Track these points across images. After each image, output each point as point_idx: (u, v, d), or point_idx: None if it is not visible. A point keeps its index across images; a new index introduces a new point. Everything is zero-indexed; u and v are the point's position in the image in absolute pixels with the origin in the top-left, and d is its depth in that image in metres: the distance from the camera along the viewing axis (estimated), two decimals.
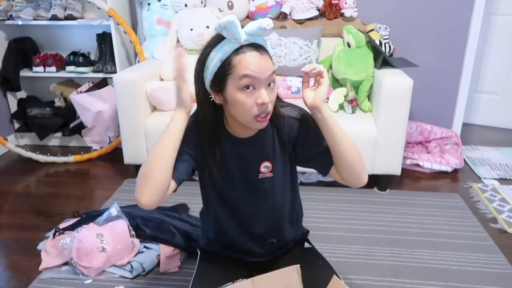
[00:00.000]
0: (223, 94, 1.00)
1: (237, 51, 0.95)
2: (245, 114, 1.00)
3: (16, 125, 2.89)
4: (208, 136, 1.07)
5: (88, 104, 2.52)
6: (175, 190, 1.07)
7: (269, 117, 1.03)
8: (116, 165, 2.53)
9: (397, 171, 2.10)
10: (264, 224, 1.18)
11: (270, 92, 0.99)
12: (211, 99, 1.02)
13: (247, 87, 0.96)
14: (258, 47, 0.96)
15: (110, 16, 2.46)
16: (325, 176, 1.14)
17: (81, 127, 2.76)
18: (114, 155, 2.60)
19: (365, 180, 1.09)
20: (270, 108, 1.01)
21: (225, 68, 0.96)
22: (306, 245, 1.31)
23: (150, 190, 0.99)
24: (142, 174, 1.00)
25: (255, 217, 1.17)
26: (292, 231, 1.26)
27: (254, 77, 0.95)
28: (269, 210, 1.17)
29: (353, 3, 2.44)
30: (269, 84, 0.99)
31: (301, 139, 1.11)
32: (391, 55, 2.44)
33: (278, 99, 1.09)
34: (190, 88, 1.02)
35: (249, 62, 0.94)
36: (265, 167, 1.12)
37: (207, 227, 1.27)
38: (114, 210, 1.71)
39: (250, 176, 1.13)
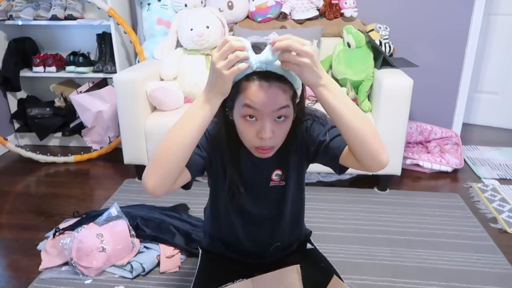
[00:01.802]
0: (232, 114, 0.95)
1: (248, 76, 0.86)
2: (245, 142, 0.96)
3: (16, 125, 2.89)
4: (228, 146, 1.02)
5: (88, 104, 2.52)
6: (187, 186, 1.01)
7: (273, 150, 0.95)
8: (116, 165, 2.53)
9: (397, 171, 2.10)
10: (271, 229, 1.17)
11: (277, 126, 0.90)
12: (226, 113, 0.96)
13: (250, 116, 0.89)
14: (271, 77, 0.85)
15: (110, 16, 2.46)
16: (339, 173, 1.02)
17: (81, 127, 2.76)
18: (114, 155, 2.60)
19: (384, 161, 0.90)
20: (275, 142, 0.93)
21: (235, 90, 0.88)
22: (309, 245, 1.31)
23: (160, 175, 0.88)
24: (156, 155, 0.89)
25: (263, 222, 1.16)
26: (297, 234, 1.26)
27: (255, 109, 0.87)
28: (277, 217, 1.15)
29: (353, 3, 2.44)
30: (280, 117, 0.90)
31: (307, 135, 1.05)
32: (391, 55, 2.44)
33: (303, 111, 1.00)
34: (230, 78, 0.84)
35: (253, 92, 0.86)
36: (277, 175, 1.09)
37: (210, 227, 1.26)
38: (114, 210, 1.71)
39: (261, 184, 1.10)
